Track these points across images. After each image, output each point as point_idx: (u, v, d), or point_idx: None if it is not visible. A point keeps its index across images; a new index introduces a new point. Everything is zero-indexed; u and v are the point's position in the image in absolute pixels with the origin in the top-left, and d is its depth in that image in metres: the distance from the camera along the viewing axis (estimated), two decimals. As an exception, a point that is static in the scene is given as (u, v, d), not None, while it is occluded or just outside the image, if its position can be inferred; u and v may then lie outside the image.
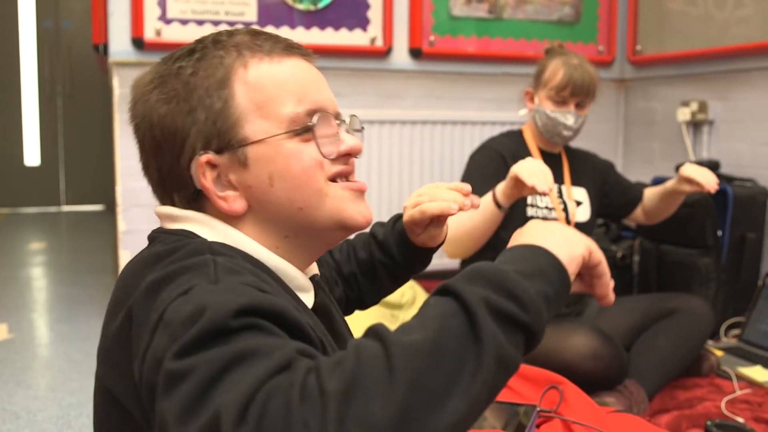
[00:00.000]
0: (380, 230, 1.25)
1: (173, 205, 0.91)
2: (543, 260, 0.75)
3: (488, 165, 2.26)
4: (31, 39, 6.41)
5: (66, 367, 2.63)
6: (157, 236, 0.90)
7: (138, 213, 3.18)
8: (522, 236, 0.81)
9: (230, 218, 0.89)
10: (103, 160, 5.86)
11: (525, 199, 2.25)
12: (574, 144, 2.54)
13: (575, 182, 2.38)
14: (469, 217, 2.06)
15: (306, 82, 0.91)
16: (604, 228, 3.24)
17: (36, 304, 3.62)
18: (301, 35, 3.24)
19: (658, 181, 3.19)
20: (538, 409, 1.65)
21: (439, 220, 1.13)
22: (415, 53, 3.42)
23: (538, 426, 1.63)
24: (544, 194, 1.91)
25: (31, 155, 6.55)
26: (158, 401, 0.66)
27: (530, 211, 2.26)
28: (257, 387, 0.61)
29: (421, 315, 0.68)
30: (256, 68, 0.89)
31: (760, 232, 2.99)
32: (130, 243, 3.18)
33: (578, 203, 2.37)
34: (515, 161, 2.29)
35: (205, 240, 0.85)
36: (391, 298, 2.86)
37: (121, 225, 3.17)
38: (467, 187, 1.10)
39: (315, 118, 0.89)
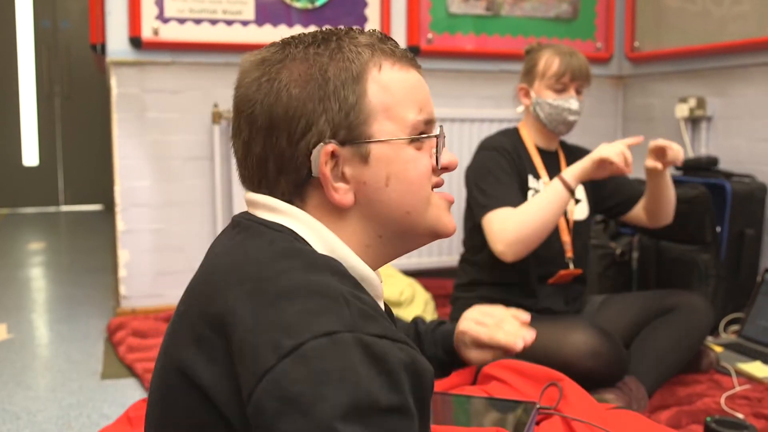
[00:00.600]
0: (422, 324, 1.36)
1: (273, 187, 0.91)
2: None
3: (505, 163, 2.26)
4: (29, 39, 6.41)
5: (66, 367, 2.63)
6: (251, 225, 0.90)
7: (137, 212, 3.18)
8: None
9: (331, 214, 0.91)
10: (102, 159, 5.86)
11: (525, 197, 2.26)
12: (572, 140, 2.54)
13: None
14: (539, 211, 2.11)
15: (424, 94, 0.95)
16: (603, 225, 3.24)
17: (35, 304, 3.62)
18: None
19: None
20: (538, 406, 1.65)
21: (492, 348, 1.23)
22: (413, 51, 3.41)
23: (537, 423, 1.63)
24: (629, 173, 2.09)
25: (30, 155, 6.55)
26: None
27: (530, 196, 2.27)
28: None
29: None
30: (388, 71, 0.92)
31: (759, 228, 2.99)
32: (129, 242, 3.18)
33: (577, 201, 2.37)
34: (519, 158, 2.30)
35: (317, 253, 0.86)
36: (390, 296, 2.86)
37: (120, 225, 3.17)
38: (525, 316, 1.21)
39: (437, 129, 0.95)
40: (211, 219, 3.26)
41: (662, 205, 2.34)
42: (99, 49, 3.13)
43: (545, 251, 2.24)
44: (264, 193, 0.92)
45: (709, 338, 2.67)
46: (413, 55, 0.97)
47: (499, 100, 3.57)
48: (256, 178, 0.93)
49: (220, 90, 3.20)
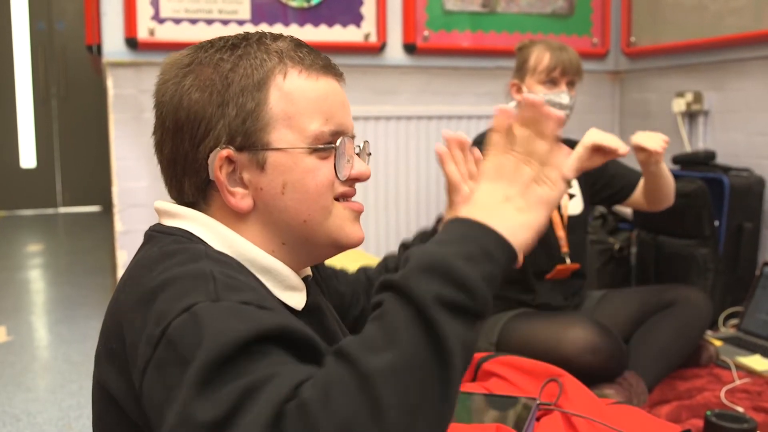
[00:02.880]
0: (413, 241, 1.31)
1: (181, 189, 0.93)
2: (488, 240, 0.73)
3: None
4: (25, 41, 6.40)
5: (65, 368, 2.63)
6: (153, 235, 0.92)
7: (134, 213, 3.17)
8: (472, 208, 0.78)
9: (232, 217, 0.92)
10: (99, 160, 5.85)
11: None
12: (567, 135, 2.53)
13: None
14: None
15: (335, 104, 0.94)
16: (601, 220, 3.24)
17: (34, 306, 3.61)
18: (294, 32, 3.23)
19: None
20: (538, 401, 1.65)
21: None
22: (410, 49, 3.41)
23: (537, 419, 1.63)
24: (624, 155, 2.00)
25: (27, 157, 6.54)
26: (166, 414, 0.68)
27: None
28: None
29: (380, 322, 0.68)
30: (294, 79, 0.91)
31: (757, 222, 2.99)
32: (127, 243, 3.18)
33: (571, 196, 2.37)
34: None
35: (201, 247, 0.87)
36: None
37: (118, 225, 3.17)
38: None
39: (339, 141, 0.93)
40: (210, 219, 3.26)
41: (660, 191, 2.31)
42: (95, 50, 3.13)
43: (541, 247, 2.23)
44: (173, 196, 0.95)
45: (709, 332, 2.68)
46: (330, 62, 0.96)
47: (496, 96, 3.57)
48: (167, 179, 0.96)
49: (217, 90, 3.20)
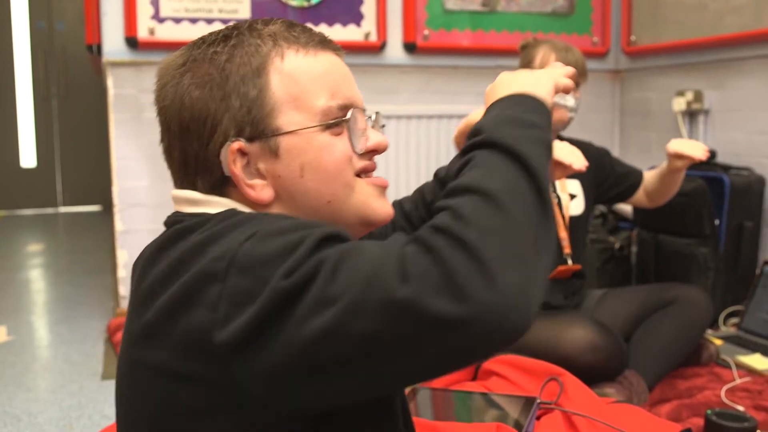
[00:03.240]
0: (442, 170, 1.31)
1: (193, 189, 0.91)
2: (529, 101, 0.89)
3: None
4: (25, 41, 6.39)
5: (66, 368, 2.63)
6: (177, 219, 0.89)
7: (135, 213, 3.18)
8: (498, 89, 0.93)
9: (256, 207, 0.89)
10: (99, 160, 5.85)
11: None
12: (569, 134, 2.53)
13: (568, 174, 2.37)
14: None
15: (338, 77, 0.92)
16: (602, 219, 3.24)
17: (35, 305, 3.61)
18: (294, 32, 3.23)
19: (654, 171, 3.19)
20: (538, 400, 1.65)
21: None
22: (410, 48, 3.41)
23: (538, 418, 1.63)
24: (581, 171, 1.96)
25: (27, 157, 6.54)
26: (271, 326, 0.69)
27: None
28: (397, 253, 0.68)
29: (480, 167, 0.76)
30: (292, 60, 0.89)
31: (758, 221, 2.99)
32: (128, 243, 3.18)
33: (572, 196, 2.37)
34: None
35: (234, 209, 0.86)
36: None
37: (119, 225, 3.17)
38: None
39: (349, 113, 0.91)
40: (210, 218, 3.26)
41: (671, 191, 2.40)
42: (95, 49, 3.13)
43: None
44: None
45: (709, 331, 2.68)
46: (326, 37, 0.94)
47: (497, 95, 3.57)
48: (179, 183, 0.94)
49: (217, 89, 3.20)
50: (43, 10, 6.39)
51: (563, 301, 2.34)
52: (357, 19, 3.33)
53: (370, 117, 0.98)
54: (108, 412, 2.23)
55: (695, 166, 3.08)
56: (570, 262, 2.32)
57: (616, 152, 3.88)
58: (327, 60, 0.92)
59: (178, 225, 0.84)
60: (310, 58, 0.90)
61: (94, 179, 6.40)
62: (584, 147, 2.48)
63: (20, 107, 6.45)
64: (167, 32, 3.09)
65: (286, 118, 0.88)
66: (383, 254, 0.68)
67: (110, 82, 3.11)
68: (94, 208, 6.65)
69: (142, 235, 3.20)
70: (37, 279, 4.19)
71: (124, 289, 3.20)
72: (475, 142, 0.80)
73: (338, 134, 0.90)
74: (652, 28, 3.57)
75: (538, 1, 3.60)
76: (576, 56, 2.29)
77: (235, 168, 0.87)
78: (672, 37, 3.43)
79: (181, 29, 3.10)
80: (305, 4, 3.25)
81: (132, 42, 3.05)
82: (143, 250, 0.89)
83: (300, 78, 0.89)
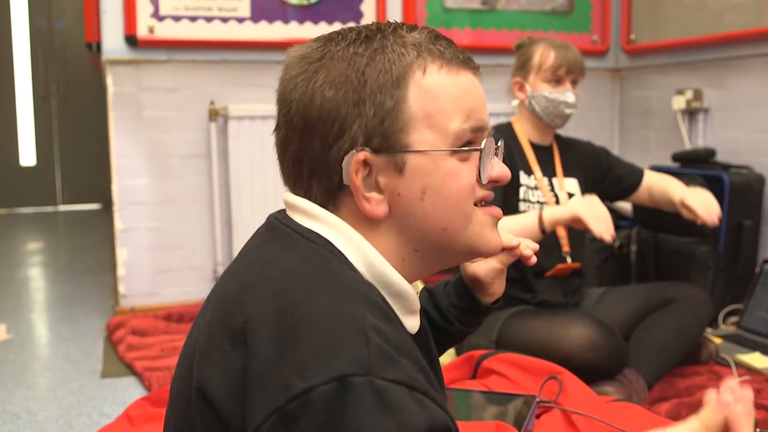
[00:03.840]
0: (436, 286, 1.23)
1: (308, 192, 0.87)
2: None
3: None
4: (24, 39, 6.39)
5: (65, 366, 2.63)
6: (287, 232, 0.86)
7: (134, 211, 3.17)
8: None
9: (364, 223, 0.85)
10: (99, 158, 5.85)
11: (517, 194, 2.26)
12: (568, 134, 2.54)
13: (567, 173, 2.38)
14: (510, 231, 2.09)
15: (476, 100, 0.87)
16: (601, 218, 3.24)
17: (34, 304, 3.61)
18: (294, 30, 3.23)
19: (654, 170, 3.18)
20: (538, 399, 1.65)
21: (500, 256, 1.11)
22: (409, 46, 3.41)
23: (537, 416, 1.63)
24: (608, 242, 2.04)
25: (27, 155, 6.54)
26: None
27: (522, 207, 2.26)
28: None
29: None
30: (434, 75, 0.85)
31: (757, 219, 2.99)
32: (127, 241, 3.18)
33: (570, 195, 2.37)
34: (510, 154, 2.29)
35: (348, 272, 0.81)
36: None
37: (118, 223, 3.17)
38: (515, 240, 1.10)
39: (483, 143, 0.86)
40: (209, 216, 3.26)
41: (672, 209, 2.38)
42: (94, 47, 3.13)
43: (542, 246, 2.23)
44: (300, 195, 0.87)
45: (709, 330, 2.68)
46: (469, 56, 0.89)
47: (496, 94, 3.56)
48: (291, 178, 0.89)
49: (217, 87, 3.20)
50: (43, 9, 6.39)
51: (562, 299, 2.34)
52: (356, 17, 3.33)
53: (498, 146, 0.93)
54: (107, 411, 2.23)
55: (695, 164, 3.09)
56: (569, 260, 2.32)
57: (615, 151, 3.88)
58: (467, 80, 0.87)
59: (291, 252, 0.82)
60: (452, 77, 0.86)
61: (93, 177, 6.40)
62: (581, 147, 2.48)
63: (20, 105, 6.45)
64: (167, 30, 3.09)
65: (417, 136, 0.83)
66: None
67: (110, 80, 3.11)
68: (93, 206, 6.65)
69: (142, 233, 3.20)
70: (36, 277, 4.19)
71: (124, 288, 3.19)
72: None
73: (465, 160, 0.86)
74: (651, 26, 3.57)
75: (537, -1, 3.60)
76: (574, 53, 2.30)
77: (356, 178, 0.83)
78: (672, 35, 3.43)
79: (180, 27, 3.10)
80: (305, 2, 3.24)
81: (131, 40, 3.05)
82: (255, 250, 0.86)
83: (439, 96, 0.84)
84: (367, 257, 0.84)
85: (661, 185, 2.41)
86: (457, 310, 1.16)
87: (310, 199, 0.86)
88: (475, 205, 0.88)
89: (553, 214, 2.11)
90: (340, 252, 0.83)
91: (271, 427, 0.69)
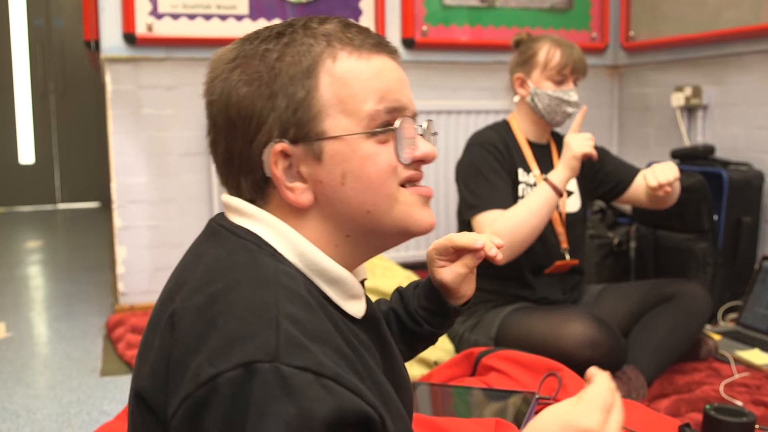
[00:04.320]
0: (407, 287, 1.23)
1: (239, 188, 0.89)
2: None
3: (494, 161, 2.26)
4: (23, 37, 6.39)
5: (65, 364, 2.63)
6: (219, 231, 0.89)
7: (133, 209, 3.17)
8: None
9: (293, 213, 0.88)
10: (98, 156, 5.85)
11: (516, 191, 2.26)
12: (567, 131, 2.53)
13: None
14: (528, 214, 2.11)
15: (391, 81, 0.89)
16: (600, 215, 3.24)
17: (34, 302, 3.61)
18: (293, 28, 3.23)
19: (653, 166, 3.19)
20: (537, 396, 1.65)
21: (464, 259, 1.11)
22: (408, 43, 3.41)
23: (537, 413, 1.63)
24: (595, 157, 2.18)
25: (26, 154, 6.54)
26: None
27: (521, 191, 2.28)
28: None
29: None
30: (344, 62, 0.86)
31: (756, 216, 2.99)
32: (126, 239, 3.18)
33: (569, 193, 2.37)
34: (509, 152, 2.29)
35: (271, 263, 0.82)
36: (388, 289, 2.85)
37: (117, 221, 3.17)
38: (480, 242, 1.09)
39: (397, 123, 0.88)
40: (208, 214, 3.26)
41: (667, 203, 2.32)
42: (93, 45, 3.13)
43: (541, 244, 2.24)
44: (233, 194, 0.90)
45: (708, 326, 2.68)
46: (382, 39, 0.90)
47: (495, 91, 3.57)
48: (224, 178, 0.92)
49: (215, 85, 3.19)
50: (41, 7, 6.38)
51: (562, 296, 2.34)
52: (355, 14, 3.33)
53: (420, 125, 0.94)
54: (107, 409, 2.24)
55: (694, 161, 3.09)
56: (568, 257, 2.32)
57: (614, 148, 3.88)
58: (380, 63, 0.89)
59: (219, 249, 0.84)
60: (363, 61, 0.87)
61: (92, 176, 6.40)
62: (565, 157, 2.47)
63: (18, 104, 6.45)
64: (165, 28, 3.08)
65: (332, 122, 0.85)
66: None
67: (108, 78, 3.10)
68: (92, 204, 6.65)
69: (141, 231, 3.20)
70: (35, 275, 4.19)
71: (123, 286, 3.19)
72: None
73: (384, 142, 0.87)
74: (650, 23, 3.57)
75: (536, -4, 3.60)
76: (579, 53, 2.30)
77: (276, 170, 0.85)
78: (670, 32, 3.43)
79: (179, 25, 3.10)
80: (303, 0, 3.24)
81: (130, 38, 3.04)
82: (191, 257, 0.89)
83: (350, 81, 0.86)
84: (297, 247, 0.86)
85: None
86: (425, 311, 1.16)
87: (241, 196, 0.89)
88: (403, 185, 0.89)
89: (557, 173, 2.16)
90: (268, 245, 0.85)
91: (184, 413, 0.72)
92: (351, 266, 0.91)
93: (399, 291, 1.22)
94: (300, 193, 0.86)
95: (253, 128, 0.86)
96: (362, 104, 0.86)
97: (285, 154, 0.85)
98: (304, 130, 0.85)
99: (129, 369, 2.54)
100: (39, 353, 2.81)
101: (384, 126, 0.87)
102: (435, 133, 0.99)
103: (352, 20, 0.91)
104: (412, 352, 1.20)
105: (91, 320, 3.15)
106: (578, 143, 2.14)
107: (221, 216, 0.92)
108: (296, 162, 0.86)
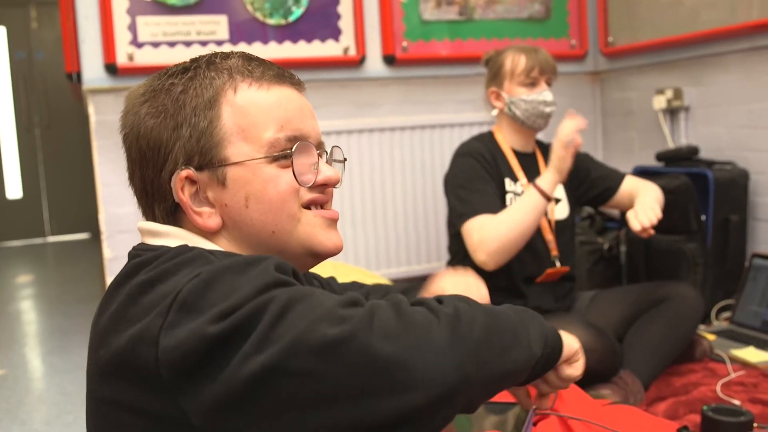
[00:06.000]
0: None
1: (154, 216, 0.95)
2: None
3: (481, 169, 2.27)
4: (5, 71, 6.38)
5: (60, 399, 2.61)
6: (137, 253, 0.92)
7: (123, 239, 3.16)
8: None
9: (206, 235, 0.93)
10: (85, 188, 5.83)
11: (504, 201, 2.27)
12: (550, 137, 2.54)
13: None
14: (517, 219, 2.13)
15: (291, 110, 0.94)
16: (589, 221, 3.25)
17: (26, 337, 3.59)
18: (274, 50, 3.24)
19: (638, 170, 3.20)
20: (534, 406, 1.65)
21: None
22: (389, 60, 3.42)
23: (534, 424, 1.63)
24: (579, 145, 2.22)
25: (13, 188, 6.51)
26: (211, 366, 0.73)
27: (508, 200, 2.28)
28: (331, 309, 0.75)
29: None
30: (244, 92, 0.92)
31: (743, 214, 3.01)
32: (117, 270, 3.14)
33: (557, 200, 2.38)
34: (495, 162, 2.30)
35: (186, 245, 0.89)
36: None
37: (107, 252, 3.15)
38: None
39: (294, 147, 0.93)
40: (198, 240, 3.25)
41: None
42: (75, 77, 3.12)
43: (530, 252, 2.24)
44: (150, 221, 0.96)
45: (702, 327, 2.69)
46: (283, 71, 0.97)
47: (477, 103, 3.58)
48: (142, 207, 0.97)
49: (199, 111, 3.19)
50: (22, 40, 6.38)
51: (554, 304, 2.34)
52: (335, 34, 3.34)
53: (325, 151, 1.00)
54: (104, 442, 2.22)
55: (678, 162, 3.11)
56: (558, 264, 2.33)
57: (599, 153, 3.90)
58: (280, 93, 0.95)
59: (136, 259, 0.88)
60: (263, 92, 0.93)
61: (80, 207, 6.38)
62: (554, 156, 2.48)
63: (3, 138, 6.43)
64: (146, 57, 3.09)
65: (234, 149, 0.91)
66: (326, 300, 0.76)
67: (91, 109, 3.10)
68: (82, 236, 6.62)
69: (131, 260, 3.19)
70: (27, 310, 4.17)
71: (116, 316, 3.18)
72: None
73: (285, 167, 0.92)
74: (628, 28, 3.60)
75: (514, 7, 3.62)
76: (544, 54, 2.33)
77: (183, 195, 0.91)
78: (649, 36, 3.45)
79: (159, 53, 3.10)
80: (283, 21, 3.25)
81: (111, 68, 3.04)
82: (111, 282, 0.92)
83: (250, 110, 0.92)
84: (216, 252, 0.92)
85: (636, 191, 2.40)
86: None
87: (156, 222, 0.95)
88: (308, 208, 0.95)
89: (544, 178, 2.18)
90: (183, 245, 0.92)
91: (175, 346, 0.76)
92: None
93: None
94: (207, 217, 0.92)
95: (161, 158, 0.92)
96: (263, 132, 0.92)
97: (191, 181, 0.91)
98: (207, 157, 0.91)
99: (125, 400, 2.53)
100: (34, 389, 2.79)
101: (282, 152, 0.93)
102: (342, 160, 1.04)
103: (254, 54, 0.97)
104: None
105: (85, 353, 3.12)
106: (564, 130, 2.19)
107: (139, 243, 0.96)
108: (203, 187, 0.92)
